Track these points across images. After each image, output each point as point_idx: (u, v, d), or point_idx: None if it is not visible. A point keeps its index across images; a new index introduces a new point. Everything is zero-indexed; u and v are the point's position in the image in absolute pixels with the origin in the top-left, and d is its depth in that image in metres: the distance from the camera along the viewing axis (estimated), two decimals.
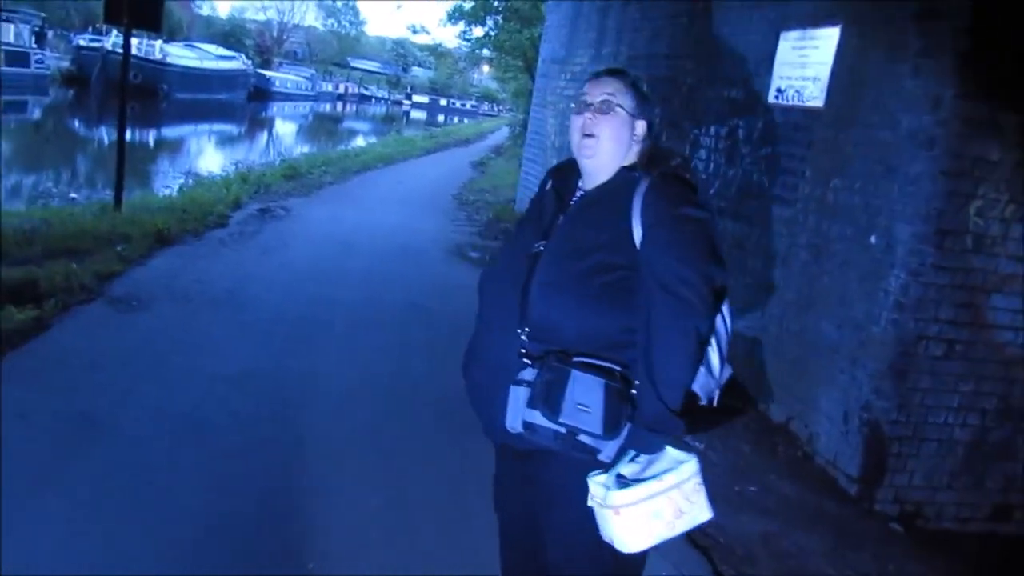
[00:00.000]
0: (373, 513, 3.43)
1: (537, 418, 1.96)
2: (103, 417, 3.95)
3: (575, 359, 1.95)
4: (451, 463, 3.92)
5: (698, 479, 1.99)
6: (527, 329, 2.03)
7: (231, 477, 3.57)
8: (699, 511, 1.98)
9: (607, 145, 2.11)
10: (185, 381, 4.52)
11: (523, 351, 2.02)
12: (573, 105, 2.18)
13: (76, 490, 3.29)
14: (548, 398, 1.93)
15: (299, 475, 3.68)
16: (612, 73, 2.20)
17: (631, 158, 2.15)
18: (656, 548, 1.97)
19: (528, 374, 1.99)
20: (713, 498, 2.06)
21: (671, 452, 2.00)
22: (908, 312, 4.14)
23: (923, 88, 4.18)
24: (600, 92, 2.13)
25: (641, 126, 2.15)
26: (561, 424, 1.93)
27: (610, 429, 1.92)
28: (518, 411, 1.99)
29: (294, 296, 6.54)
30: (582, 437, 1.95)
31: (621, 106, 2.12)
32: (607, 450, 1.97)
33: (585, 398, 1.91)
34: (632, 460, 1.96)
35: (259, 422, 4.16)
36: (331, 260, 8.09)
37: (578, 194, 2.18)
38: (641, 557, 2.05)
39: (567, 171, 2.24)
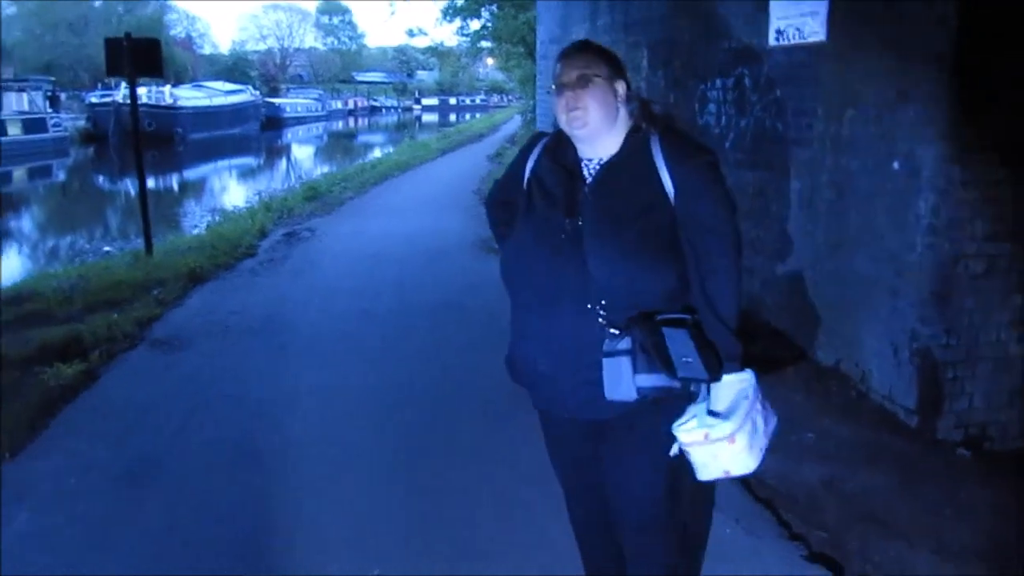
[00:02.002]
0: (433, 517, 3.45)
1: (654, 381, 2.04)
2: (160, 456, 4.03)
3: (659, 318, 2.05)
4: (507, 453, 3.92)
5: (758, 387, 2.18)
6: (602, 302, 2.07)
7: (291, 497, 3.61)
8: (771, 414, 2.20)
9: (596, 113, 2.14)
10: (234, 410, 4.60)
11: (604, 323, 2.07)
12: (554, 88, 2.19)
13: (144, 530, 3.36)
14: (662, 360, 2.02)
15: (354, 488, 3.71)
16: (579, 48, 2.24)
17: (624, 119, 2.20)
18: (716, 504, 2.04)
19: (623, 344, 2.05)
20: (770, 450, 2.15)
21: (729, 376, 2.11)
22: (942, 234, 4.06)
23: (926, 5, 4.08)
24: (573, 69, 2.16)
25: (621, 86, 2.19)
26: (679, 379, 2.04)
27: (711, 370, 2.03)
28: (625, 380, 2.06)
29: (329, 313, 6.60)
30: (692, 386, 2.09)
31: (598, 75, 2.16)
32: (702, 391, 2.11)
33: (683, 351, 2.01)
34: (708, 400, 2.11)
35: (310, 441, 4.21)
36: (360, 273, 8.15)
37: (585, 163, 2.21)
38: (707, 511, 2.29)
39: (556, 145, 2.27)
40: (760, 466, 2.13)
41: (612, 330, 2.07)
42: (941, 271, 4.08)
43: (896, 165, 4.28)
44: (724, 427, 2.05)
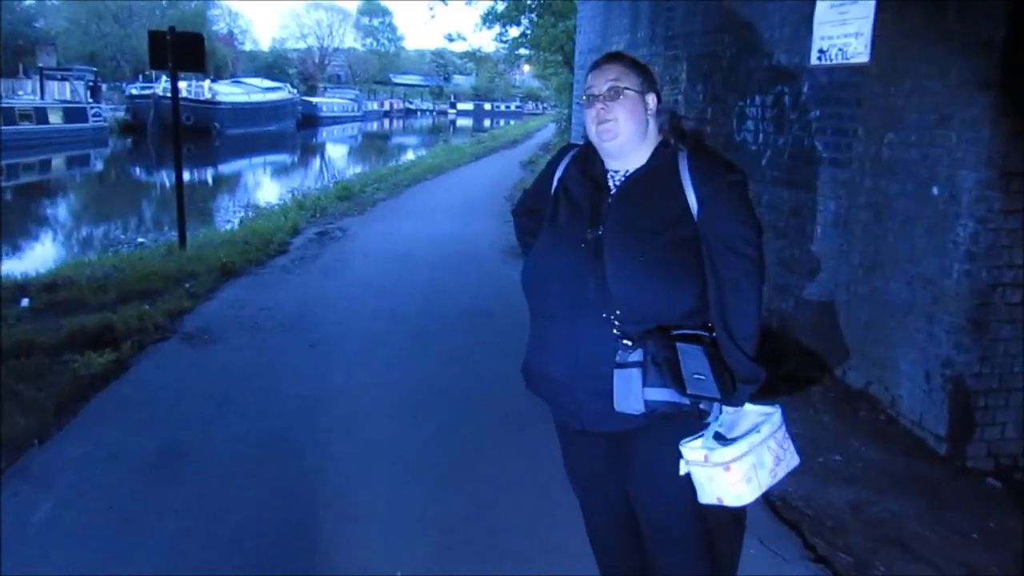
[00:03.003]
0: (457, 518, 3.45)
1: (662, 395, 2.02)
2: (189, 447, 4.07)
3: (674, 333, 2.04)
4: (532, 459, 3.91)
5: (784, 427, 2.17)
6: (616, 312, 2.06)
7: (317, 493, 3.63)
8: (791, 457, 2.16)
9: (626, 125, 2.15)
10: (263, 405, 4.64)
11: (618, 334, 2.06)
12: (584, 99, 2.21)
13: (169, 521, 3.39)
14: (672, 375, 2.00)
15: (379, 487, 3.73)
16: (610, 59, 2.23)
17: (653, 132, 2.21)
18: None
19: (635, 356, 2.03)
20: (797, 471, 2.12)
21: (753, 408, 2.13)
22: (980, 261, 4.00)
23: (972, 30, 4.04)
24: (604, 80, 2.17)
25: (652, 99, 2.19)
26: (688, 396, 2.01)
27: (724, 391, 2.01)
28: (635, 392, 2.03)
29: (359, 313, 6.64)
30: (703, 404, 2.05)
31: (629, 87, 2.16)
32: (714, 411, 2.08)
33: (696, 367, 2.00)
34: (720, 423, 2.09)
35: (336, 439, 4.23)
36: (391, 274, 8.20)
37: (611, 175, 2.21)
38: (738, 533, 2.15)
39: (585, 156, 2.29)
40: (772, 489, 2.12)
41: (625, 341, 2.05)
42: (978, 299, 4.03)
43: (935, 190, 4.24)
44: (723, 453, 2.03)
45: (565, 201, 2.23)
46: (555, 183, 2.29)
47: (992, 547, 3.40)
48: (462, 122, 64.72)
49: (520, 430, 4.23)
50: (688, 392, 2.00)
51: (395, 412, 4.61)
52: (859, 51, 4.84)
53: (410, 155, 30.81)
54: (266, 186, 24.37)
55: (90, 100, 34.22)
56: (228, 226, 12.82)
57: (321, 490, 3.67)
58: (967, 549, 3.38)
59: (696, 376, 1.99)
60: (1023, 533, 3.53)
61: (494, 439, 4.26)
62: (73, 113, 30.96)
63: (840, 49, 5.01)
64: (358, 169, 25.99)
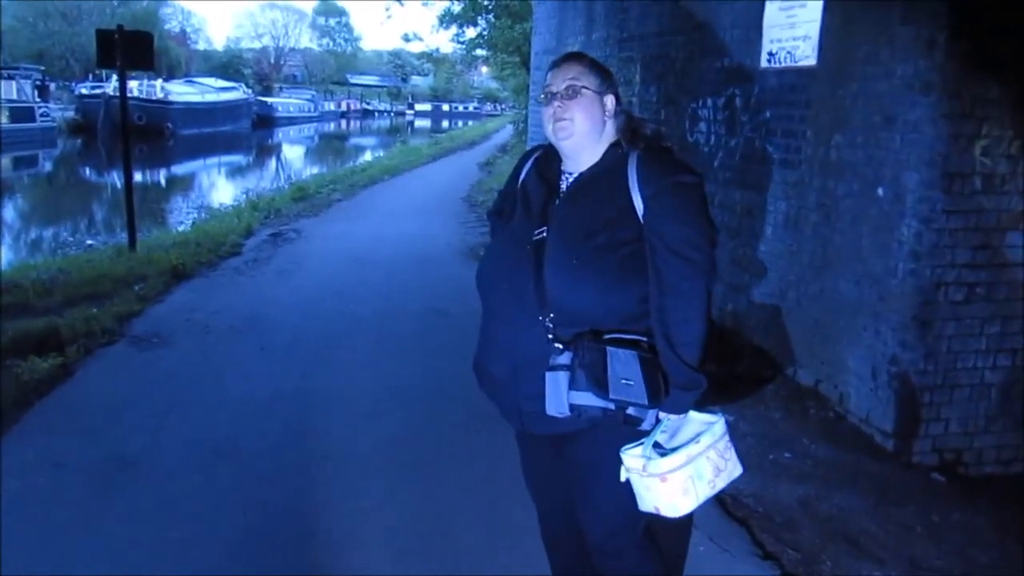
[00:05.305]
0: (414, 522, 3.43)
1: (586, 399, 2.00)
2: (136, 455, 3.98)
3: (606, 336, 2.01)
4: (488, 461, 3.90)
5: (727, 437, 2.12)
6: (551, 315, 2.05)
7: (267, 501, 3.58)
8: (733, 467, 2.11)
9: (582, 125, 2.13)
10: (213, 410, 4.56)
11: (551, 337, 2.04)
12: (543, 96, 2.20)
13: (116, 531, 3.31)
14: (596, 378, 1.97)
15: (334, 492, 3.69)
16: (570, 58, 2.22)
17: (610, 134, 2.18)
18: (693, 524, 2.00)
19: (563, 358, 2.02)
20: (747, 468, 2.13)
21: (696, 416, 2.09)
22: (924, 260, 4.09)
23: (915, 33, 4.12)
24: (563, 79, 2.15)
25: (610, 100, 2.17)
26: (611, 400, 1.99)
27: (654, 397, 1.98)
28: (561, 395, 2.02)
29: (313, 315, 6.57)
30: (630, 410, 2.01)
31: (586, 87, 2.14)
32: (649, 418, 2.04)
33: (625, 372, 1.96)
34: (661, 430, 2.05)
35: (290, 444, 4.18)
36: (346, 275, 8.13)
37: (564, 177, 2.20)
38: (685, 529, 2.19)
39: (545, 158, 2.28)
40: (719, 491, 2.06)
41: (557, 345, 2.04)
42: (922, 297, 4.11)
43: (881, 191, 4.32)
44: (660, 464, 2.00)
45: (522, 202, 2.23)
46: (518, 184, 2.29)
47: (935, 539, 3.48)
48: (420, 123, 64.46)
49: (480, 432, 4.21)
50: (611, 396, 1.97)
51: (352, 415, 4.57)
52: (807, 54, 4.91)
53: (367, 156, 30.58)
54: (220, 187, 23.99)
55: (38, 99, 33.42)
56: (180, 228, 12.62)
57: (275, 496, 3.62)
58: (912, 542, 3.45)
59: (624, 381, 1.96)
60: (965, 526, 3.61)
61: (453, 441, 4.24)
62: (20, 113, 30.17)
63: (789, 52, 5.08)
64: (314, 170, 25.73)
